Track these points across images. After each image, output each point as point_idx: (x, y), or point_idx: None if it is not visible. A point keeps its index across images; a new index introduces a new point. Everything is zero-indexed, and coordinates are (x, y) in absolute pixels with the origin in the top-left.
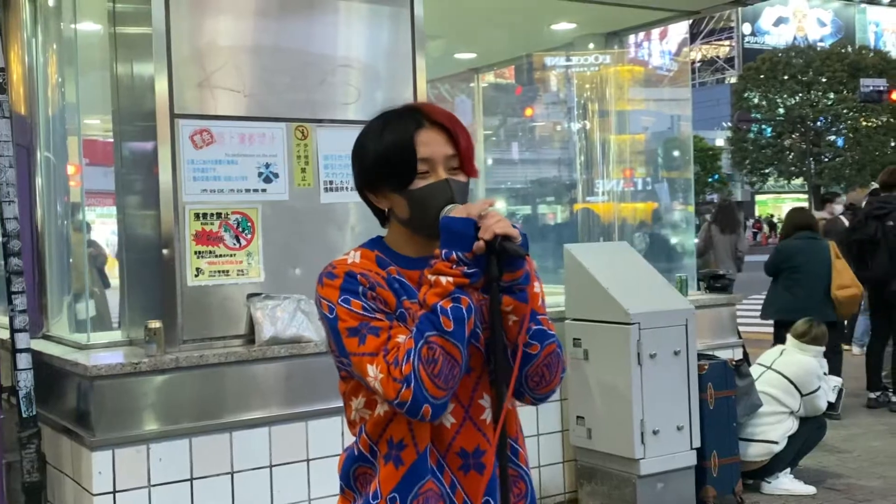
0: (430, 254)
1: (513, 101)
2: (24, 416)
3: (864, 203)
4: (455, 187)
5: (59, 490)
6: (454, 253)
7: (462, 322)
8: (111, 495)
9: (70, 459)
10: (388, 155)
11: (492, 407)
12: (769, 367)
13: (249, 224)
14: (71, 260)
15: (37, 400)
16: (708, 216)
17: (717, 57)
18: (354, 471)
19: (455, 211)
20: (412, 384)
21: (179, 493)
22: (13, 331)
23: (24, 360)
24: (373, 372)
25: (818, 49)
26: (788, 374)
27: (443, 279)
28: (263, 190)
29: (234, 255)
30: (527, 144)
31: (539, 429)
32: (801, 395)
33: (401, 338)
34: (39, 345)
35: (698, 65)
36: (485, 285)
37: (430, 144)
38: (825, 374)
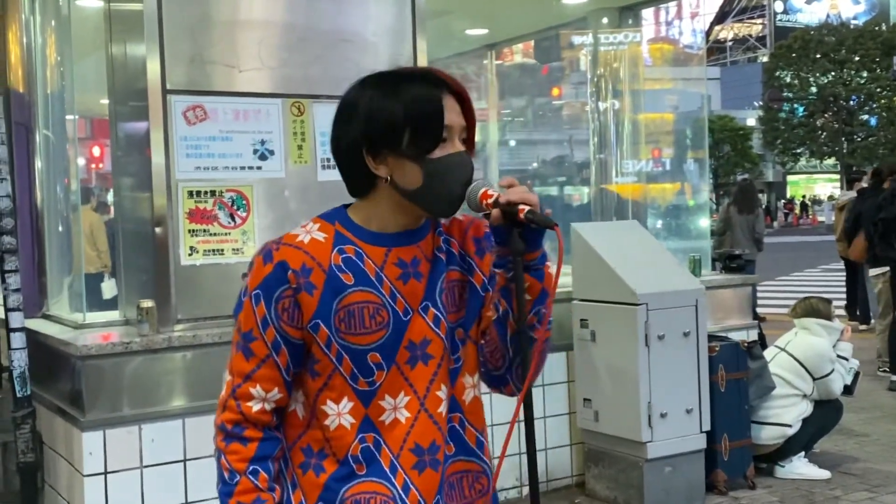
0: (408, 228)
1: (533, 80)
2: (18, 395)
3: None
4: (469, 161)
5: (53, 471)
6: None
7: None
8: (102, 476)
9: (63, 440)
10: (413, 115)
11: (456, 396)
12: (783, 349)
13: (244, 202)
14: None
15: (34, 380)
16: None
17: (749, 35)
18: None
19: (482, 193)
20: (221, 458)
21: (172, 474)
22: (7, 310)
23: (17, 340)
24: (223, 385)
25: (851, 27)
26: (799, 356)
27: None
28: (259, 167)
29: (229, 233)
30: (543, 124)
31: (546, 411)
32: (813, 379)
33: (255, 390)
34: (38, 324)
35: (730, 43)
36: (504, 259)
37: (451, 112)
38: (843, 357)
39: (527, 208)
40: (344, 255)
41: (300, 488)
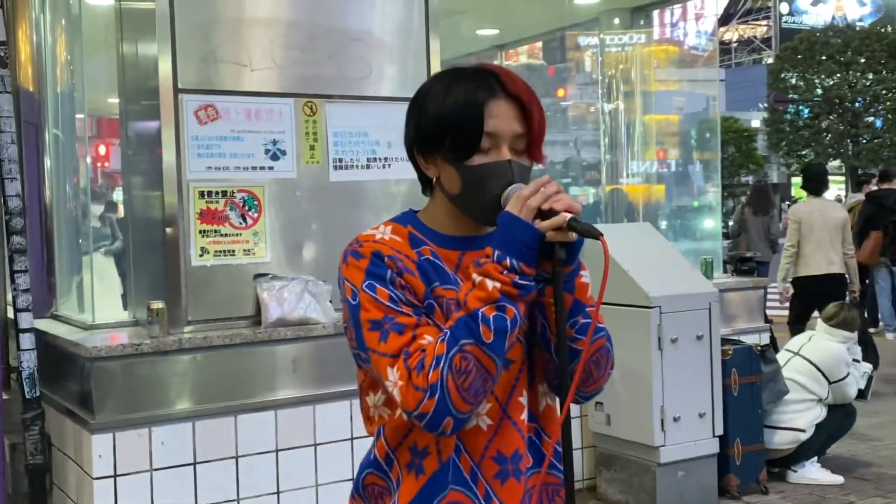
0: (475, 234)
1: (541, 80)
2: (27, 397)
3: None
4: (517, 170)
5: (63, 473)
6: (509, 259)
7: (504, 334)
8: (111, 479)
9: (73, 442)
10: (452, 120)
11: (530, 405)
12: (796, 353)
13: (256, 203)
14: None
15: (43, 381)
16: (743, 198)
17: (754, 37)
18: (364, 477)
19: (511, 205)
20: (437, 394)
21: (182, 477)
22: (16, 310)
23: (27, 341)
24: (392, 376)
25: (857, 29)
26: (816, 360)
27: (489, 283)
28: (270, 168)
29: (240, 234)
30: (555, 125)
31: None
32: (829, 383)
33: (427, 338)
34: (47, 325)
35: (735, 45)
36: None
37: (501, 118)
38: (856, 360)
39: (569, 216)
40: (422, 257)
41: (398, 492)
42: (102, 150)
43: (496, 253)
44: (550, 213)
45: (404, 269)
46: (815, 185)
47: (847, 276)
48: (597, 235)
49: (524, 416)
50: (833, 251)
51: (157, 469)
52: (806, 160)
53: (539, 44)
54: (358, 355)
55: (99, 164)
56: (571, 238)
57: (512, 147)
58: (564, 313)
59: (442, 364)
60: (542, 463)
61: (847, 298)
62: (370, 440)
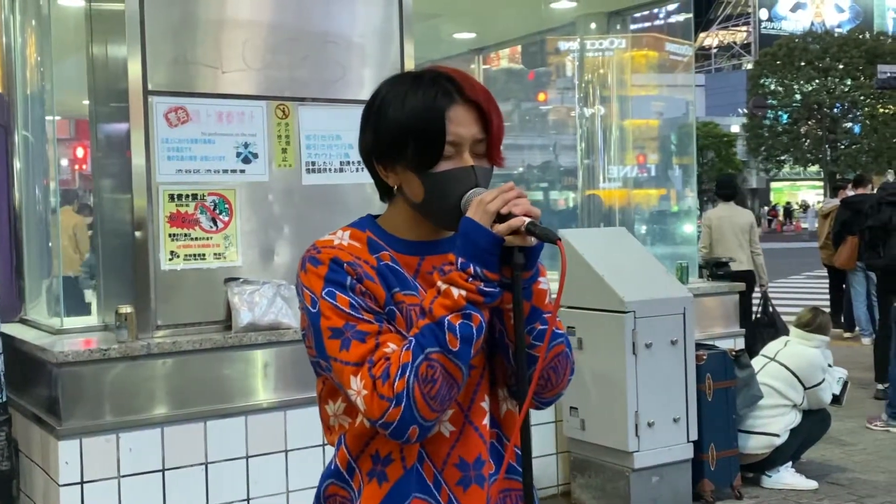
0: (434, 238)
1: (520, 84)
2: None
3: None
4: (480, 175)
5: (29, 479)
6: (473, 266)
7: (470, 342)
8: (79, 486)
9: (40, 448)
10: (413, 129)
11: (492, 410)
12: (772, 359)
13: (227, 206)
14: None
15: (11, 386)
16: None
17: (734, 43)
18: (326, 488)
19: (472, 210)
20: (403, 403)
21: (150, 484)
22: None
23: None
24: (356, 385)
25: (835, 35)
26: (792, 366)
27: (454, 291)
28: (242, 171)
29: (211, 238)
30: (534, 129)
31: (532, 419)
32: (805, 388)
33: (391, 346)
34: (15, 329)
35: (715, 50)
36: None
37: (461, 124)
38: (830, 365)
39: (527, 220)
40: (382, 262)
41: (359, 501)
42: (80, 152)
43: (459, 260)
44: (510, 218)
45: (364, 275)
46: (728, 191)
47: (755, 272)
48: (554, 240)
49: (486, 421)
50: (741, 251)
51: (124, 476)
52: (784, 165)
53: (518, 48)
54: (318, 363)
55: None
56: (530, 243)
57: (473, 151)
58: (523, 319)
59: (408, 373)
60: (507, 469)
61: (757, 291)
62: None
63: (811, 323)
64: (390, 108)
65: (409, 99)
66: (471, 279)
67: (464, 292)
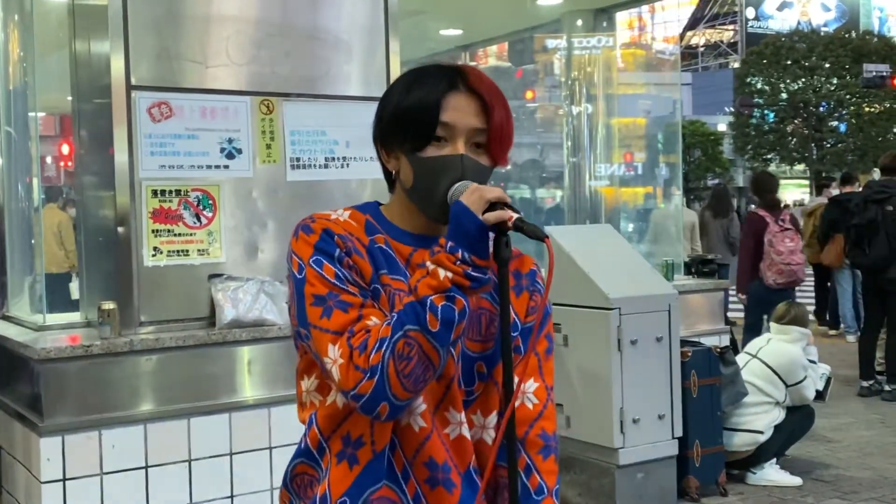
0: (431, 234)
1: (507, 82)
2: None
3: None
4: (469, 165)
5: (11, 477)
6: (461, 251)
7: (450, 325)
8: (60, 483)
9: (21, 445)
10: (408, 111)
11: (459, 425)
12: (754, 356)
13: (211, 202)
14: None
15: None
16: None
17: (721, 41)
18: (294, 467)
19: (466, 195)
20: (376, 377)
21: (133, 481)
22: None
23: None
24: (333, 353)
25: (822, 34)
26: (772, 364)
27: (441, 272)
28: (226, 166)
29: (195, 234)
30: (521, 127)
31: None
32: (787, 386)
33: (373, 320)
34: None
35: (701, 49)
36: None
37: (458, 111)
38: (813, 361)
39: (515, 216)
40: (375, 244)
41: (328, 480)
42: (66, 149)
43: (449, 244)
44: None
45: (353, 249)
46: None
47: None
48: (542, 237)
49: (448, 430)
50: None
51: (107, 473)
52: (771, 163)
53: (505, 45)
54: (298, 332)
55: (62, 164)
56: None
57: (470, 142)
58: (509, 311)
59: (385, 347)
60: (474, 493)
61: None
62: None
63: (785, 315)
64: (395, 94)
65: (414, 84)
66: (458, 262)
67: (450, 274)
